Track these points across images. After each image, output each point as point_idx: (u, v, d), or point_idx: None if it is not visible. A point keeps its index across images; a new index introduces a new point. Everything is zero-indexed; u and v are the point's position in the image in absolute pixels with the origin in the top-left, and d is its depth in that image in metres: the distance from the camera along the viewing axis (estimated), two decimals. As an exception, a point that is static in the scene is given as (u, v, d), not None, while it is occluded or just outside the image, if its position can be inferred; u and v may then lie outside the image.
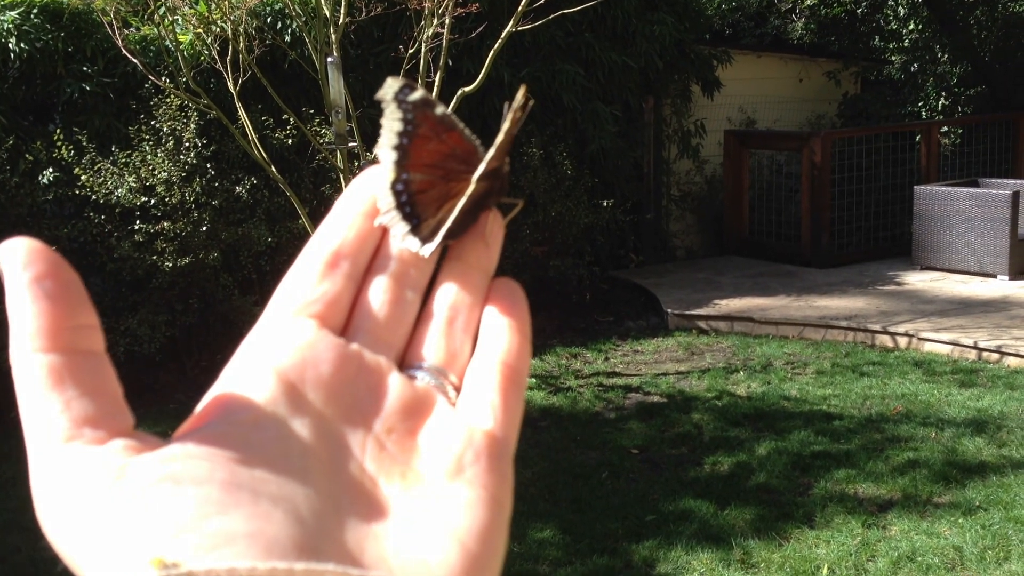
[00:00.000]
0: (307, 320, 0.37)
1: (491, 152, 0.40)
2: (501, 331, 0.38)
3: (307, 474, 0.33)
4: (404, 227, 0.39)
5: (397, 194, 0.39)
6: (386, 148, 0.40)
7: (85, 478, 0.31)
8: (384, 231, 0.39)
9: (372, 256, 0.39)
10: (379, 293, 0.38)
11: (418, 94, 0.40)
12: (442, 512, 0.34)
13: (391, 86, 0.40)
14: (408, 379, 0.37)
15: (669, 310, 7.44)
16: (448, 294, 0.39)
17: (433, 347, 0.38)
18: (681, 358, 6.63)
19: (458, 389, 0.38)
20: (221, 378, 0.35)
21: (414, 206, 0.39)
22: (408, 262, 0.39)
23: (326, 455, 0.34)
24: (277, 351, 0.36)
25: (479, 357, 0.38)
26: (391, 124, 0.40)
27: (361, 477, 0.34)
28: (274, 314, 0.37)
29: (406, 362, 0.38)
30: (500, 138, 0.40)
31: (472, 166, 0.41)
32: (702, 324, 7.29)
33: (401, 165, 0.40)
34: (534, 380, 6.14)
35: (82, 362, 0.31)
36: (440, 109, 0.41)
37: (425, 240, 0.39)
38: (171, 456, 0.31)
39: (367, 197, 0.39)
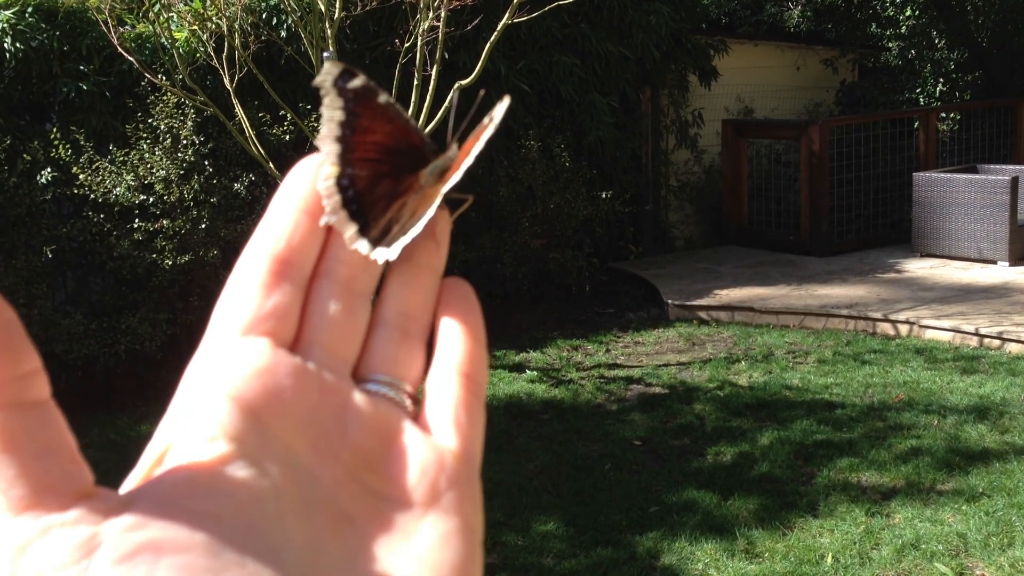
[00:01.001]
0: (260, 339, 0.33)
1: (464, 165, 0.38)
2: (456, 338, 0.36)
3: (282, 519, 0.30)
4: (352, 227, 0.35)
5: (343, 190, 0.36)
6: (328, 140, 0.37)
7: (50, 555, 0.27)
8: (329, 230, 0.36)
9: (317, 259, 0.35)
10: (330, 302, 0.35)
11: (359, 81, 0.37)
12: (418, 547, 0.33)
13: (330, 72, 0.37)
14: (368, 396, 0.35)
15: (669, 301, 7.43)
16: (400, 299, 0.36)
17: (387, 357, 0.36)
18: (682, 349, 6.63)
19: (414, 398, 0.36)
20: (172, 411, 0.32)
21: (360, 204, 0.36)
22: (357, 265, 0.36)
23: (297, 494, 0.31)
24: (233, 378, 0.32)
25: (437, 369, 0.36)
26: (332, 114, 0.37)
27: (334, 515, 0.32)
28: (220, 333, 0.33)
29: (359, 373, 0.36)
30: (477, 148, 0.38)
31: (417, 160, 0.39)
32: (703, 314, 7.29)
33: (345, 159, 0.37)
34: (535, 373, 6.14)
35: (32, 417, 0.28)
36: (383, 97, 0.38)
37: (375, 242, 0.36)
38: (144, 521, 0.28)
39: (307, 193, 0.35)
